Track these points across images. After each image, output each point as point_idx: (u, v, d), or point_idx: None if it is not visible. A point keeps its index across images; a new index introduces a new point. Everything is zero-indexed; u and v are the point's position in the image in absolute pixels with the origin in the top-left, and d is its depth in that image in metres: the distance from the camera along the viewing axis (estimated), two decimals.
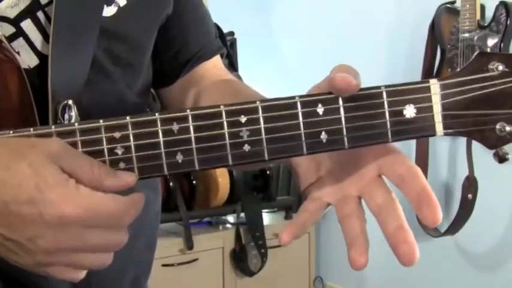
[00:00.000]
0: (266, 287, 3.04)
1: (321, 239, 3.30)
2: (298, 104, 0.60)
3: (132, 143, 0.61)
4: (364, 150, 0.63)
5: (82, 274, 0.61)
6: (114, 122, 0.61)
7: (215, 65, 0.95)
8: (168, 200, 2.77)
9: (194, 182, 2.90)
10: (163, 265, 2.73)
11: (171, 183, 2.79)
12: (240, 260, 2.95)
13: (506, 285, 2.56)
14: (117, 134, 0.61)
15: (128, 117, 0.61)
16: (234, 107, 0.60)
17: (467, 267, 2.71)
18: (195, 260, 2.85)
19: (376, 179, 0.62)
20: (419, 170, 0.61)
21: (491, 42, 0.66)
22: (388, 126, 0.60)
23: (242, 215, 2.99)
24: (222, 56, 0.97)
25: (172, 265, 2.77)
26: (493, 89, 0.60)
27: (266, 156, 0.61)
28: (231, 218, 3.09)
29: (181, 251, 2.82)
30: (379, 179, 0.63)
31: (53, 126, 0.61)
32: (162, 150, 0.61)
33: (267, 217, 3.20)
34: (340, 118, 0.61)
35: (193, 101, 0.90)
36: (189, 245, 2.80)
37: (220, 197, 2.96)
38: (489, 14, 2.46)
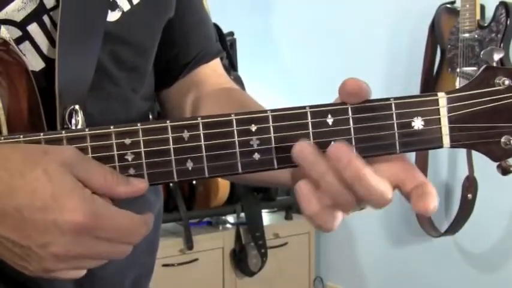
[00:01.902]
0: (266, 287, 3.04)
1: (321, 239, 3.30)
2: (308, 114, 0.61)
3: (142, 149, 0.61)
4: (381, 166, 0.63)
5: (83, 273, 0.62)
6: (125, 128, 0.62)
7: (215, 70, 0.95)
8: (168, 200, 2.77)
9: (194, 182, 2.90)
10: (164, 265, 2.72)
11: (171, 184, 2.79)
12: (240, 260, 2.95)
13: (506, 285, 2.57)
14: (127, 140, 0.61)
15: (138, 124, 0.61)
16: (244, 116, 0.61)
17: (467, 267, 2.71)
18: (195, 260, 2.85)
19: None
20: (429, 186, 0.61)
21: (497, 57, 0.66)
22: (396, 138, 0.61)
23: (242, 215, 2.99)
24: (221, 59, 0.97)
25: (172, 265, 2.77)
26: (499, 103, 0.61)
27: (275, 165, 0.62)
28: (231, 218, 3.09)
29: (181, 251, 2.82)
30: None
31: (63, 132, 0.62)
32: (172, 157, 0.61)
33: (267, 217, 3.20)
34: (350, 129, 0.62)
35: (192, 106, 0.90)
36: (189, 245, 2.80)
37: (220, 197, 2.96)
38: (489, 14, 2.46)
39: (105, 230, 0.58)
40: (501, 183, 2.49)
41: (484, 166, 2.43)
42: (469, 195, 2.54)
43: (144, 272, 0.92)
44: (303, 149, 0.59)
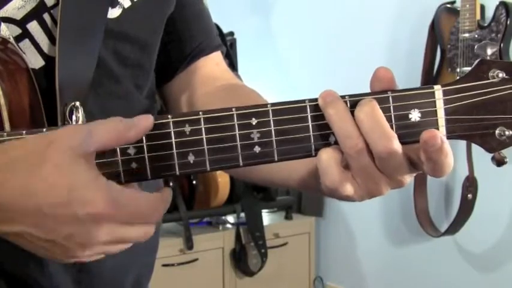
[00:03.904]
0: (266, 287, 3.04)
1: (321, 239, 3.30)
2: (308, 107, 0.63)
3: (144, 143, 0.62)
4: None
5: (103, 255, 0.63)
6: None
7: (217, 63, 0.95)
8: None
9: (194, 182, 2.91)
10: (163, 265, 2.73)
11: (171, 183, 2.79)
12: (240, 260, 2.95)
13: (506, 285, 2.57)
14: None
15: None
16: (245, 110, 0.62)
17: (467, 267, 2.72)
18: (195, 260, 2.85)
19: None
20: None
21: (490, 51, 0.68)
22: (394, 130, 0.63)
23: (242, 215, 3.00)
24: (223, 54, 0.97)
25: (172, 265, 2.78)
26: (494, 95, 0.63)
27: (276, 158, 0.63)
28: (231, 218, 3.09)
29: (181, 251, 2.82)
30: None
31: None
32: (174, 151, 0.62)
33: (267, 217, 3.21)
34: None
35: (196, 101, 0.91)
36: (189, 245, 2.81)
37: (220, 197, 2.96)
38: (489, 14, 2.46)
39: (125, 215, 0.59)
40: (501, 183, 2.49)
41: (484, 166, 2.44)
42: (469, 195, 2.54)
43: (144, 271, 0.92)
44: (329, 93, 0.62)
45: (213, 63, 0.94)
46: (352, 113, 0.62)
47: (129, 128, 0.60)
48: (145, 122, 0.61)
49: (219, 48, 0.95)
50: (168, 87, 0.93)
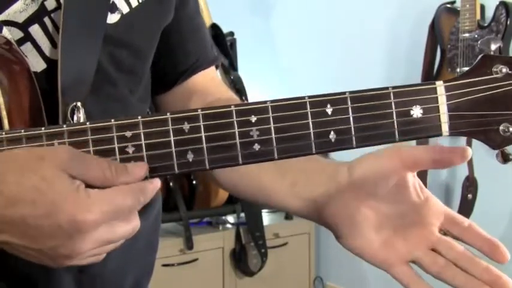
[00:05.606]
0: (266, 287, 3.04)
1: (321, 239, 3.30)
2: (308, 104, 0.62)
3: (143, 141, 0.62)
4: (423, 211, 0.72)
5: (102, 256, 0.63)
6: (125, 121, 0.62)
7: (213, 78, 0.96)
8: (168, 200, 2.77)
9: (194, 182, 2.90)
10: (163, 265, 2.73)
11: (171, 183, 2.79)
12: (240, 260, 2.95)
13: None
14: (128, 133, 0.62)
15: (139, 117, 0.62)
16: (244, 107, 0.62)
17: None
18: (195, 260, 2.85)
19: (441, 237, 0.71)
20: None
21: (494, 46, 0.67)
22: (396, 126, 0.62)
23: (242, 215, 2.99)
24: (217, 68, 0.99)
25: (172, 265, 2.78)
26: (497, 90, 0.61)
27: (276, 156, 0.62)
28: (231, 218, 3.09)
29: (181, 251, 2.82)
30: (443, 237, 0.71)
31: (64, 125, 0.62)
32: (173, 149, 0.62)
33: (267, 217, 3.21)
34: (349, 118, 0.62)
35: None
36: (189, 245, 2.81)
37: (220, 197, 2.96)
38: (489, 14, 2.46)
39: (105, 218, 0.59)
40: (501, 183, 2.49)
41: (484, 166, 2.45)
42: (469, 195, 2.54)
43: (144, 271, 0.92)
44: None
45: (208, 77, 0.95)
46: (357, 108, 0.62)
47: (119, 174, 0.61)
48: (138, 171, 0.61)
49: (215, 62, 0.97)
50: (163, 98, 0.95)
